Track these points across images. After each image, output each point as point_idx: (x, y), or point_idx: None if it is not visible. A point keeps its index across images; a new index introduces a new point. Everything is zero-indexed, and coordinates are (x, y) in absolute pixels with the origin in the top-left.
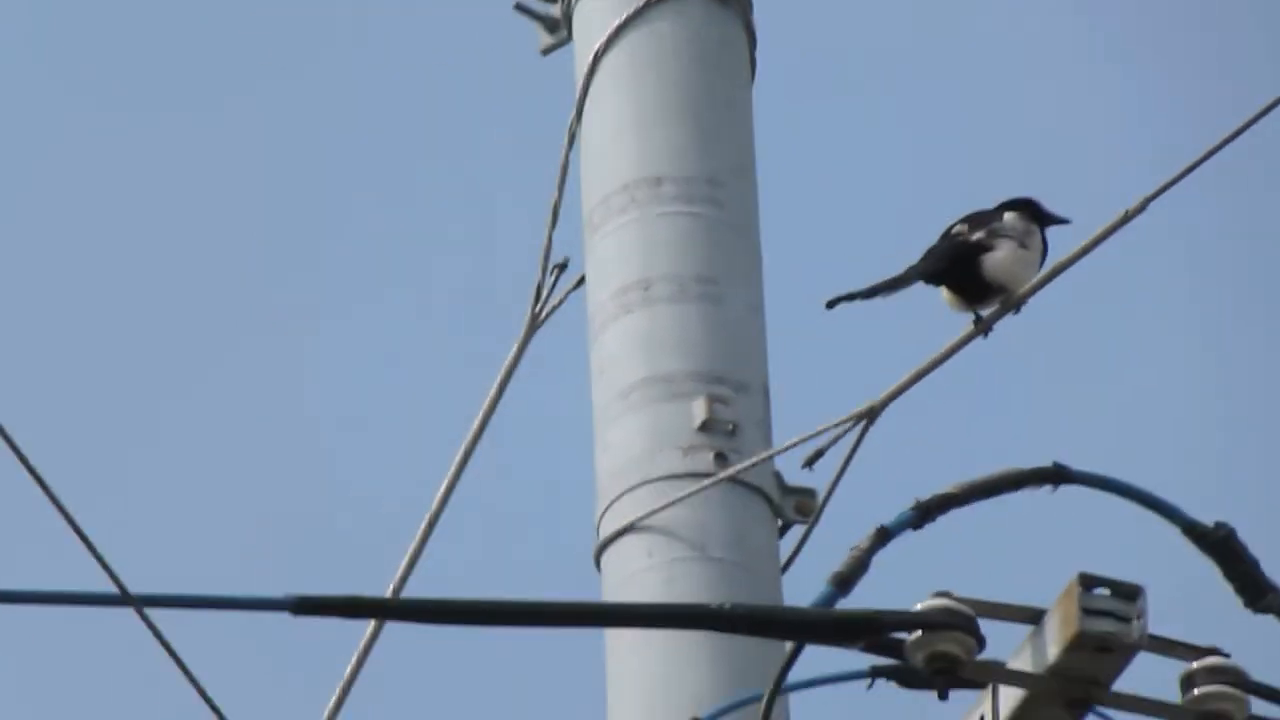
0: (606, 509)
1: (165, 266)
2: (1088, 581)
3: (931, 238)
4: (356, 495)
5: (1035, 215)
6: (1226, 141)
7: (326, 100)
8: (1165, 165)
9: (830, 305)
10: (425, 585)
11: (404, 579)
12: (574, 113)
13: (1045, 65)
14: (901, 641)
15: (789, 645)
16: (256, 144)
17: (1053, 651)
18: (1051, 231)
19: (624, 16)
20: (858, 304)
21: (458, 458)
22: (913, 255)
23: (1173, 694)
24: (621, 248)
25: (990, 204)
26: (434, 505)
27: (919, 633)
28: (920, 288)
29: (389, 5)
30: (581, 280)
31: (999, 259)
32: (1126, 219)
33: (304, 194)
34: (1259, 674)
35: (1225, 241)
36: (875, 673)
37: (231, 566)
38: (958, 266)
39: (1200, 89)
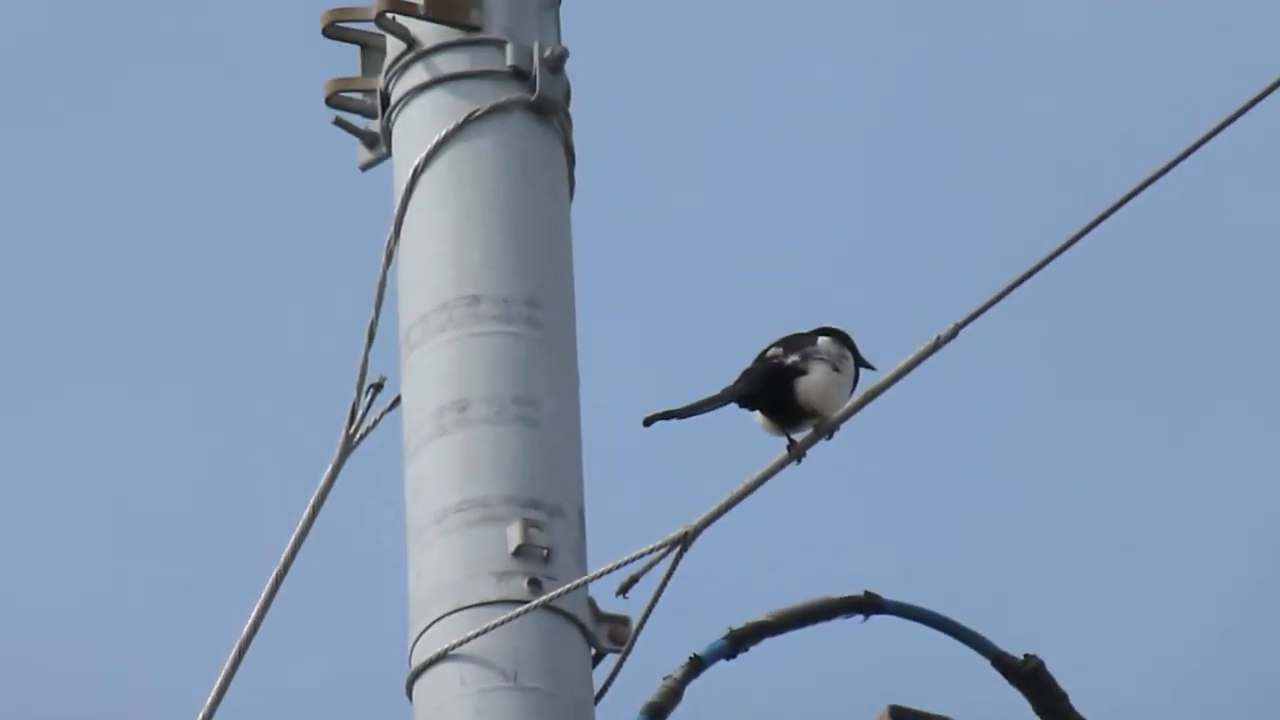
0: (419, 636)
1: None
2: (898, 714)
3: (748, 359)
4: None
5: (848, 345)
6: (1038, 268)
7: (138, 203)
8: (978, 289)
9: (647, 423)
10: (237, 715)
11: (214, 707)
12: (392, 230)
13: (858, 185)
14: None
15: None
16: (58, 240)
17: None
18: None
19: (443, 133)
20: (673, 425)
21: (270, 581)
22: (730, 376)
23: None
24: (438, 367)
25: (806, 327)
26: (244, 631)
27: None
28: (735, 412)
29: (210, 117)
30: (398, 400)
31: (813, 382)
32: (939, 345)
33: (110, 303)
34: None
35: (1037, 362)
36: None
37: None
38: (771, 389)
39: (1012, 211)
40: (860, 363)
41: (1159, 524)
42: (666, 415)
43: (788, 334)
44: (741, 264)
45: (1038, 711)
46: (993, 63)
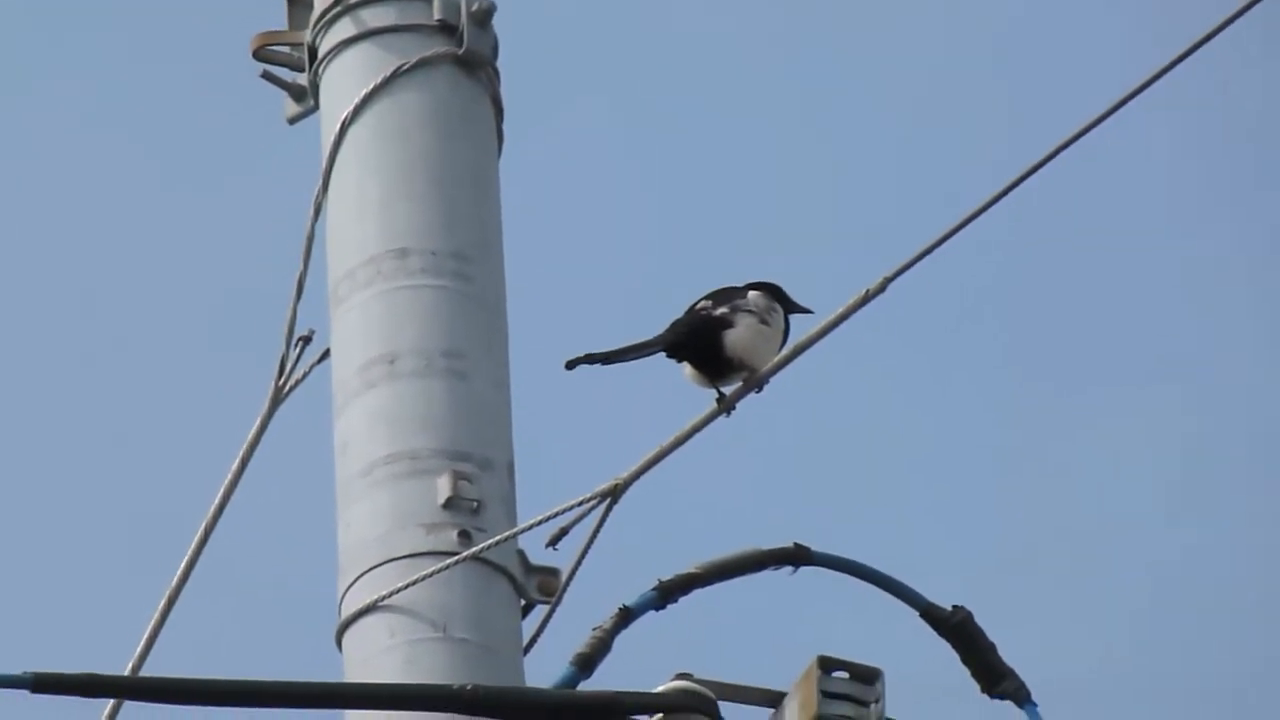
0: (349, 588)
1: None
2: (827, 664)
3: (679, 313)
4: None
5: (779, 297)
6: (966, 222)
7: (68, 154)
8: (907, 243)
9: (570, 366)
10: (165, 664)
11: (143, 657)
12: (320, 183)
13: (790, 138)
14: None
15: None
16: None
17: None
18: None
19: (371, 86)
20: (603, 375)
21: (198, 534)
22: (659, 330)
23: None
24: (366, 321)
25: (738, 281)
26: (174, 582)
27: (659, 715)
28: (664, 364)
29: (139, 69)
30: (326, 354)
31: (739, 335)
32: (867, 298)
33: (36, 251)
34: None
35: (966, 317)
36: None
37: None
38: (699, 340)
39: (945, 165)
40: (795, 309)
41: (1082, 477)
42: (590, 359)
43: (718, 288)
44: (673, 218)
45: (965, 663)
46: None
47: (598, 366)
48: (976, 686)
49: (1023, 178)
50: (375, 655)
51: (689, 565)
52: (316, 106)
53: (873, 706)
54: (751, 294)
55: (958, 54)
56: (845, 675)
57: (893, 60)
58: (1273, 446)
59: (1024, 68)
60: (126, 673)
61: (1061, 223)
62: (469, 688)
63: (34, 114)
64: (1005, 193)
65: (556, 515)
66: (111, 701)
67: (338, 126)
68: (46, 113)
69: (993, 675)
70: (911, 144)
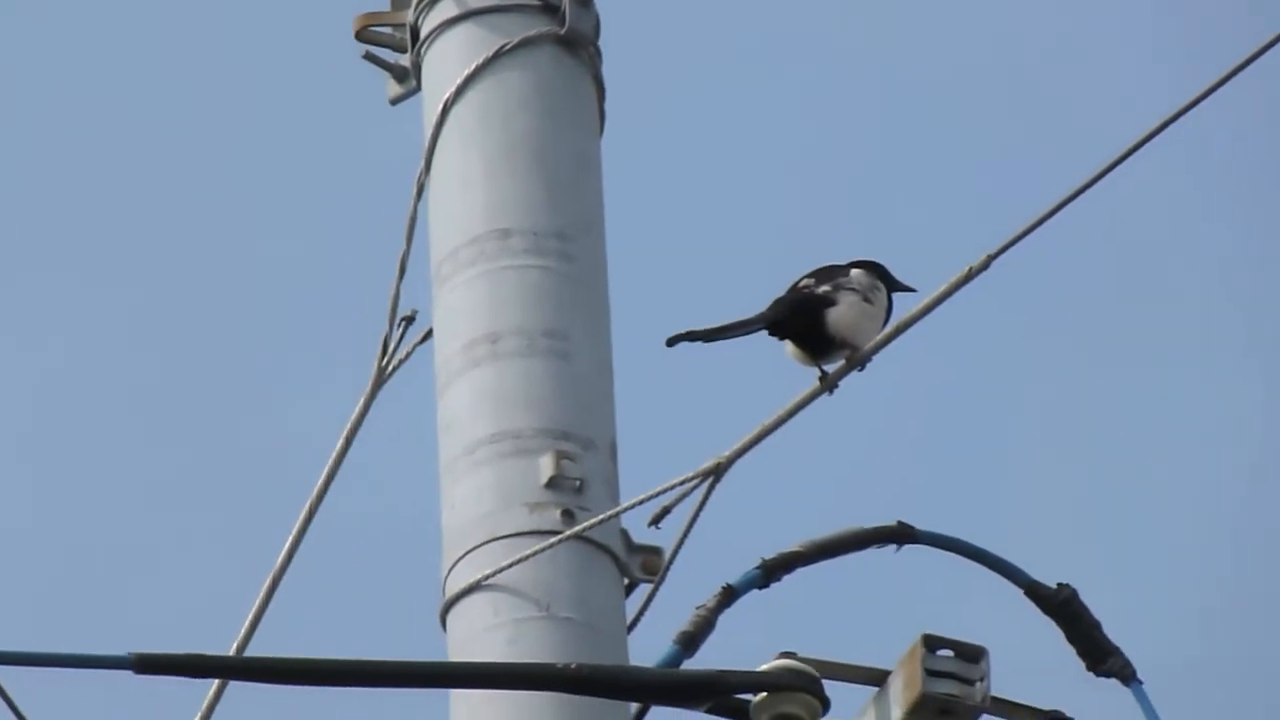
0: (452, 567)
1: None
2: (931, 643)
3: (781, 291)
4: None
5: (882, 276)
6: (1072, 198)
7: (169, 141)
8: (1012, 221)
9: (670, 343)
10: (269, 644)
11: (248, 637)
12: (422, 164)
13: (892, 114)
14: (746, 703)
15: (634, 706)
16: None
17: (896, 713)
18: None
19: (473, 67)
20: (705, 354)
21: (303, 513)
22: (762, 308)
23: None
24: (469, 301)
25: (841, 260)
26: (279, 562)
27: (763, 694)
28: (766, 343)
29: (240, 51)
30: (429, 334)
31: (842, 313)
32: (970, 276)
33: (143, 230)
34: None
35: (1068, 298)
36: None
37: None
38: (801, 318)
39: (1047, 142)
40: (898, 288)
41: (1176, 457)
42: (690, 336)
43: (822, 265)
44: (775, 196)
45: (1070, 641)
46: None
47: (699, 345)
48: (1081, 665)
49: (1124, 156)
50: (479, 634)
51: (792, 544)
52: (419, 87)
53: (978, 685)
54: (854, 272)
55: (1070, 28)
56: (950, 654)
57: (1005, 31)
58: None
59: (1140, 42)
60: (231, 653)
61: (1165, 204)
62: (573, 666)
63: (134, 92)
64: (1109, 169)
65: (659, 494)
66: (216, 682)
67: (440, 107)
68: (151, 92)
69: (1098, 653)
70: (1019, 119)
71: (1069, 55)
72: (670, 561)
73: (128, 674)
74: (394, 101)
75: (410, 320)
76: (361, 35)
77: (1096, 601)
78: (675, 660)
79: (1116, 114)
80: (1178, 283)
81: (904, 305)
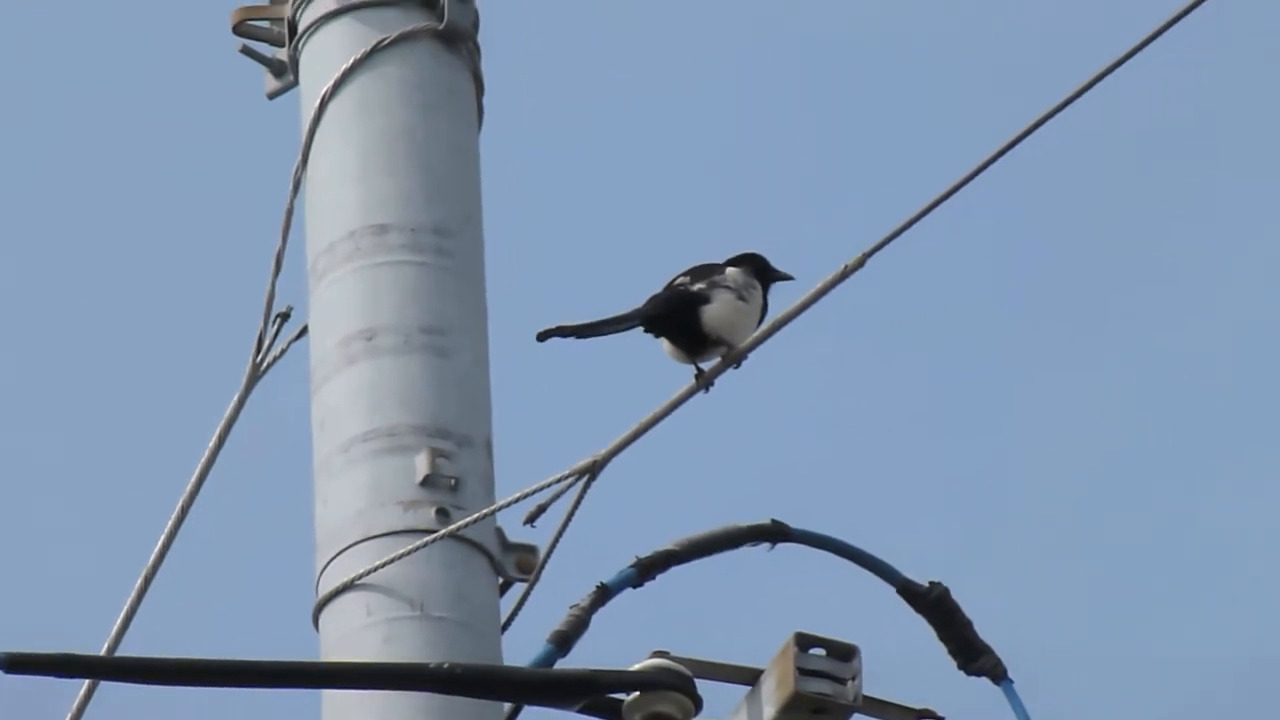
0: (326, 566)
1: None
2: (804, 641)
3: (658, 289)
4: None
5: (760, 270)
6: (944, 197)
7: (44, 134)
8: (886, 220)
9: (541, 338)
10: (140, 644)
11: (119, 637)
12: (300, 159)
13: (768, 112)
14: (620, 702)
15: (508, 705)
16: None
17: (769, 712)
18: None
19: (351, 61)
20: (581, 351)
21: (175, 511)
22: (637, 306)
23: None
24: (345, 297)
25: (719, 257)
26: (150, 560)
27: (636, 693)
28: (643, 341)
29: (115, 44)
30: (304, 330)
31: (716, 310)
32: (846, 274)
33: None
34: None
35: (945, 294)
36: None
37: None
38: (675, 315)
39: (925, 141)
40: (777, 277)
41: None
42: (562, 331)
43: (698, 263)
44: (652, 193)
45: (942, 639)
46: None
47: (573, 341)
48: (954, 663)
49: (1006, 148)
50: (352, 633)
51: (667, 542)
52: (296, 81)
53: (850, 683)
54: (730, 270)
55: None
56: (822, 652)
57: (901, 26)
58: None
59: (1010, 36)
60: (102, 653)
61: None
62: (446, 666)
63: (6, 83)
64: (986, 165)
65: (535, 492)
66: (87, 682)
67: (318, 101)
68: (25, 83)
69: (970, 651)
70: (902, 115)
71: (964, 47)
72: (545, 560)
73: None
74: (271, 96)
75: (286, 316)
76: (239, 29)
77: (969, 601)
78: (549, 659)
79: (1013, 108)
80: (1054, 286)
81: (780, 303)
